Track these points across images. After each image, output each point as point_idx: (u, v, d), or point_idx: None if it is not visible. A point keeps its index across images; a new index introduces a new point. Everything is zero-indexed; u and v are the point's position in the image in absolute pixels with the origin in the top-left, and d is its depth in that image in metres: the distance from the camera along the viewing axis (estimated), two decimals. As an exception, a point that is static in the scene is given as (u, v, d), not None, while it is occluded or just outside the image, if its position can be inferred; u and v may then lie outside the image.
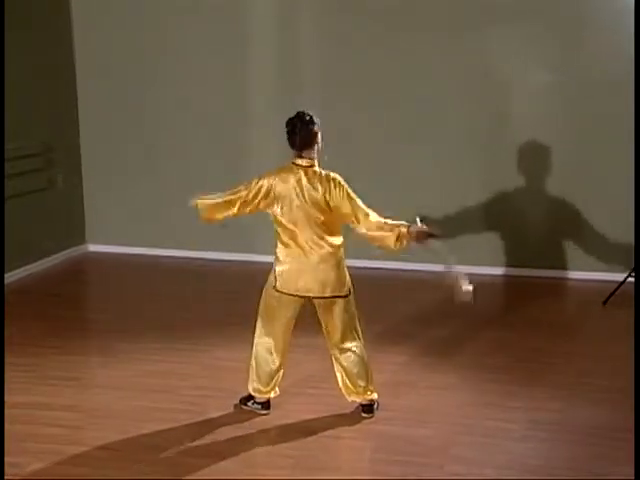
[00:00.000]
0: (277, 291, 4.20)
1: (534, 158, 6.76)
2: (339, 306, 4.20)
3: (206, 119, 7.23)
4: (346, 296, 4.21)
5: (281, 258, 4.16)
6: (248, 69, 7.12)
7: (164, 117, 7.34)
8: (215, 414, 4.37)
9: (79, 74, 7.42)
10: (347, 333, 4.25)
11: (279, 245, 4.19)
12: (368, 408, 4.37)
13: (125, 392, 4.66)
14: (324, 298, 4.16)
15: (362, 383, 4.31)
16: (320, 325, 4.32)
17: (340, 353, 4.28)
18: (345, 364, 4.28)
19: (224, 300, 6.39)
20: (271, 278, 4.23)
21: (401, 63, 6.84)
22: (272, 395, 4.38)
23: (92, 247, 7.74)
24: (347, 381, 4.32)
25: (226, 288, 6.73)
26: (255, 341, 4.35)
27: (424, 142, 6.86)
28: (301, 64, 7.06)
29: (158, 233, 7.59)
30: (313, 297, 4.19)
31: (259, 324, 4.32)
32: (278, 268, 4.18)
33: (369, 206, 4.14)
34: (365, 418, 4.32)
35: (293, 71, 7.06)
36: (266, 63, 7.11)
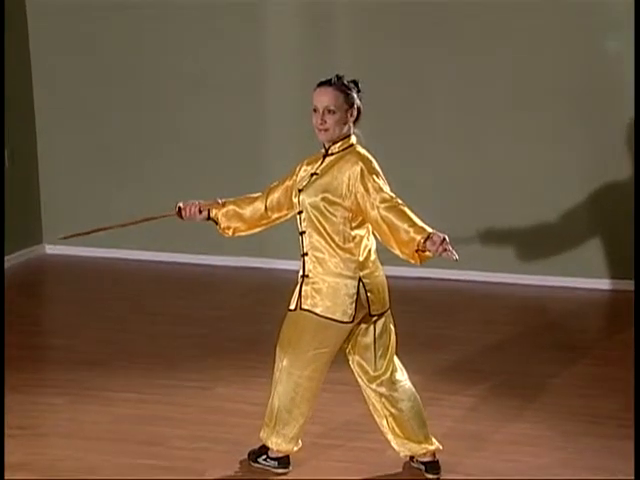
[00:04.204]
0: (353, 321, 4.07)
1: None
2: (382, 324, 4.17)
3: (179, 109, 7.70)
4: (389, 308, 4.19)
5: (369, 274, 4.09)
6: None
7: (136, 102, 7.73)
8: (216, 473, 4.34)
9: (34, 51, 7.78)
10: (392, 359, 4.21)
11: (370, 255, 4.11)
12: (432, 466, 4.25)
13: (96, 444, 4.58)
14: (384, 312, 4.17)
15: (422, 429, 4.24)
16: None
17: (387, 389, 4.18)
18: (396, 404, 4.20)
19: (226, 319, 6.43)
20: (344, 307, 4.07)
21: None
22: (294, 448, 4.31)
23: (50, 249, 7.80)
24: (398, 428, 4.23)
25: (228, 303, 6.80)
26: (294, 378, 4.16)
27: (514, 140, 7.18)
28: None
29: (133, 232, 7.58)
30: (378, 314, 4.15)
31: (303, 357, 4.13)
32: (366, 290, 4.09)
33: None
34: (426, 480, 4.17)
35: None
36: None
